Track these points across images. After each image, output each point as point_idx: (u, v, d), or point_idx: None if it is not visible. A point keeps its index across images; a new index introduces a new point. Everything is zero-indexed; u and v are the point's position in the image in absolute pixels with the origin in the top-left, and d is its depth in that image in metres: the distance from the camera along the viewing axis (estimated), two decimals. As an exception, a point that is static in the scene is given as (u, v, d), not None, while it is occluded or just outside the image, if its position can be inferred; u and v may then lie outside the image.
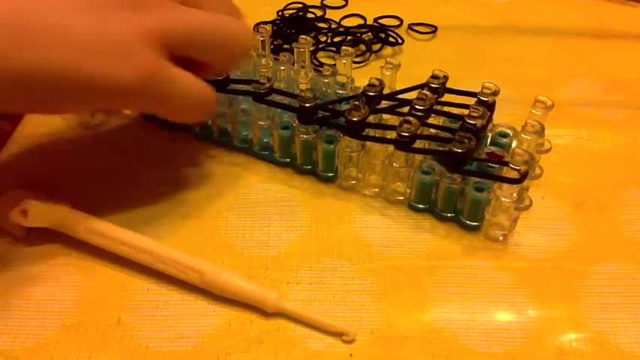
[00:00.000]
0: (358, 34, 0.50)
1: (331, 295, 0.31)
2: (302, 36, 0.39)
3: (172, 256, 0.31)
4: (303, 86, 0.38)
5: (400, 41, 0.49)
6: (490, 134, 0.37)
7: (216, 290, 0.31)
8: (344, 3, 0.55)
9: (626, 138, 0.40)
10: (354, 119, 0.33)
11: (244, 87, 0.37)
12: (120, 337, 0.30)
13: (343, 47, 0.40)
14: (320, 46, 0.49)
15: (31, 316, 0.30)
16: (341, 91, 0.39)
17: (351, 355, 0.29)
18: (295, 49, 0.39)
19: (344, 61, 0.39)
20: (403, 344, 0.29)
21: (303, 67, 0.39)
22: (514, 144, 0.36)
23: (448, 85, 0.36)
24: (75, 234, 0.33)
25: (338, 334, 0.29)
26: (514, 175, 0.31)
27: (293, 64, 0.39)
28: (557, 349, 0.29)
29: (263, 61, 0.40)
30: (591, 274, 0.32)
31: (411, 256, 0.33)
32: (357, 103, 0.34)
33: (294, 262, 0.33)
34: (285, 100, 0.36)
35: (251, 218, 0.35)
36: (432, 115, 0.35)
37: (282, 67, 0.39)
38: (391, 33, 0.50)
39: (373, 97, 0.35)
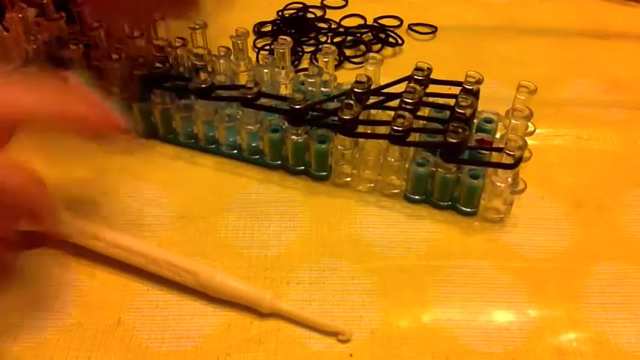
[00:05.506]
0: (358, 35, 0.50)
1: (331, 294, 0.31)
2: (281, 36, 0.38)
3: (166, 258, 0.31)
4: (284, 88, 0.37)
5: (400, 42, 0.49)
6: (476, 121, 0.37)
7: (211, 292, 0.31)
8: (344, 3, 0.55)
9: (626, 138, 0.40)
10: (347, 117, 0.33)
11: (228, 93, 0.36)
12: (120, 337, 0.30)
13: (325, 45, 0.39)
14: (320, 46, 0.49)
15: (31, 316, 0.30)
16: (324, 89, 0.39)
17: (351, 355, 0.29)
18: (275, 50, 0.38)
19: (326, 60, 0.39)
20: (403, 344, 0.29)
21: (283, 68, 0.38)
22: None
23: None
24: (67, 238, 0.33)
25: (333, 334, 0.29)
26: (509, 160, 0.31)
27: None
28: (557, 349, 0.29)
29: (242, 64, 0.39)
30: (591, 273, 0.32)
31: (411, 256, 0.33)
32: (348, 101, 0.34)
33: (294, 262, 0.33)
34: (272, 102, 0.36)
35: (251, 218, 0.35)
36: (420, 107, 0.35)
37: (266, 70, 0.39)
38: (391, 33, 0.50)
39: (362, 94, 0.35)
